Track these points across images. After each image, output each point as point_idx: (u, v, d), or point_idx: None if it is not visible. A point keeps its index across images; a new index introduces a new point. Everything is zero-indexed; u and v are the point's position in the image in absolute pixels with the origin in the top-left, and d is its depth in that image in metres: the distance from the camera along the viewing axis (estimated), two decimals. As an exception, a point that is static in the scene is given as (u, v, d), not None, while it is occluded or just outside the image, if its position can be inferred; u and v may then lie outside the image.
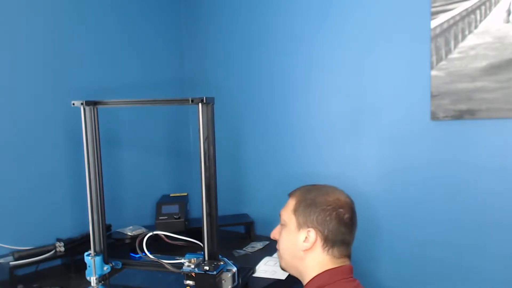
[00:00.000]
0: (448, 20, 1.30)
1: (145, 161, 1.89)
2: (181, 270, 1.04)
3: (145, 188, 1.88)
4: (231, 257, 1.37)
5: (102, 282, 1.18)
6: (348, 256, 1.07)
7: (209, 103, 1.06)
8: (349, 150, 1.57)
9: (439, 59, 1.32)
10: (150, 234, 1.15)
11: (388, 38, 1.44)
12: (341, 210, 1.03)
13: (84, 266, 1.22)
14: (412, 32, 1.38)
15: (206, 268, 1.01)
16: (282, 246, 1.10)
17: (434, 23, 1.32)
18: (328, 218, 1.02)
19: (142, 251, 1.12)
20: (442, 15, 1.31)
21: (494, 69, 1.23)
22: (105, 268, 1.19)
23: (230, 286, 1.03)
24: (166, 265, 1.10)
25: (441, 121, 1.34)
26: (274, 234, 1.14)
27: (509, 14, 1.20)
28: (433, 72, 1.33)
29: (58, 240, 1.45)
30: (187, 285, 1.03)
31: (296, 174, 1.70)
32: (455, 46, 1.29)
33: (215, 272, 1.00)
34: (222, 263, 1.05)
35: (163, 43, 1.97)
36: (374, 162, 1.51)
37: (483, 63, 1.24)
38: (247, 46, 1.84)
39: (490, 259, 1.29)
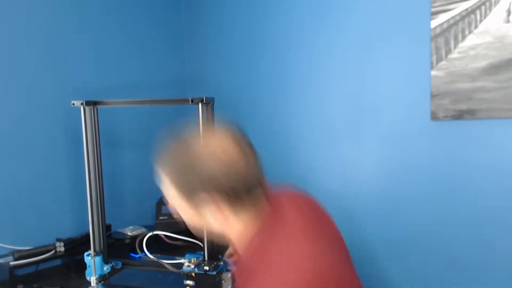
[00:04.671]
0: (448, 20, 1.30)
1: (145, 161, 1.89)
2: (181, 270, 1.04)
3: (145, 188, 1.88)
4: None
5: (102, 282, 1.19)
6: (254, 194, 0.83)
7: (209, 103, 1.05)
8: (349, 149, 1.57)
9: (439, 59, 1.32)
10: (150, 234, 1.15)
11: (388, 38, 1.43)
12: (222, 158, 0.78)
13: (84, 266, 1.22)
14: (412, 32, 1.38)
15: (206, 268, 1.01)
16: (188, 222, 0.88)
17: (434, 23, 1.32)
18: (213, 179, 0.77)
19: (142, 251, 1.12)
20: (442, 15, 1.30)
21: (494, 69, 1.23)
22: (105, 268, 1.19)
23: (230, 286, 1.03)
24: (166, 265, 1.10)
25: (441, 121, 1.34)
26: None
27: (509, 14, 1.20)
28: (433, 72, 1.33)
29: (58, 240, 1.45)
30: (187, 285, 1.03)
31: (296, 174, 1.70)
32: (455, 46, 1.29)
33: (215, 272, 1.00)
34: (222, 263, 1.05)
35: (163, 43, 1.97)
36: (374, 161, 1.51)
37: (483, 63, 1.24)
38: (248, 46, 1.83)
39: (490, 259, 1.29)
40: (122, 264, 1.20)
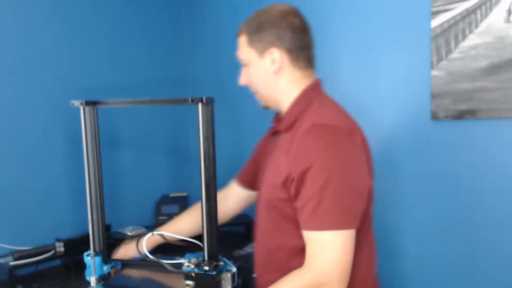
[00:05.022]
0: (448, 20, 1.30)
1: (145, 161, 1.89)
2: (181, 270, 1.04)
3: (145, 188, 1.88)
4: (231, 257, 1.37)
5: (102, 282, 1.18)
6: (313, 62, 1.07)
7: (208, 103, 1.05)
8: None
9: (440, 59, 1.32)
10: (150, 234, 1.15)
11: (388, 38, 1.43)
12: (289, 17, 1.00)
13: (84, 266, 1.22)
14: (412, 32, 1.38)
15: (206, 268, 1.01)
16: (255, 82, 1.07)
17: (434, 23, 1.32)
18: (281, 31, 0.99)
19: (142, 251, 1.12)
20: (442, 15, 1.30)
21: (494, 69, 1.22)
22: (104, 268, 1.17)
23: (229, 286, 1.03)
24: (166, 265, 1.09)
25: (441, 121, 1.34)
26: (243, 80, 1.09)
27: (509, 14, 1.19)
28: (434, 72, 1.33)
29: (58, 240, 1.45)
30: (187, 285, 1.02)
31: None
32: (455, 46, 1.29)
33: (215, 272, 1.00)
34: (222, 263, 1.05)
35: (163, 43, 1.97)
36: (373, 162, 1.51)
37: (483, 63, 1.24)
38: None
39: (490, 258, 1.29)
40: (122, 265, 1.20)
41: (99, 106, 1.22)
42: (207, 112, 1.06)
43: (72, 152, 1.56)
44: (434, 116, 1.34)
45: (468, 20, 1.26)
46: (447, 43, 1.30)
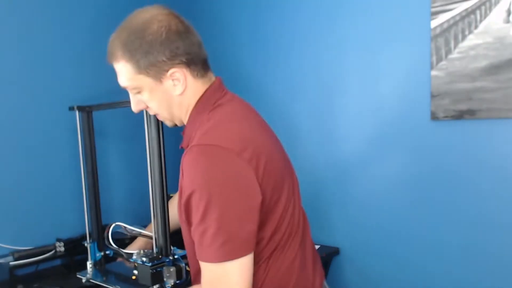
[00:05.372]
0: (448, 20, 1.30)
1: (144, 161, 1.89)
2: (131, 259, 1.08)
3: (144, 188, 1.88)
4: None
5: (97, 267, 1.30)
6: (208, 62, 0.92)
7: None
8: (349, 150, 1.57)
9: (439, 59, 1.32)
10: (114, 225, 1.24)
11: (388, 38, 1.44)
12: (172, 24, 0.85)
13: (84, 266, 1.24)
14: (412, 32, 1.38)
15: (144, 259, 1.03)
16: (155, 107, 0.91)
17: (434, 23, 1.32)
18: (172, 45, 0.83)
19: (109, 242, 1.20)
20: (442, 15, 1.31)
21: (494, 69, 1.23)
22: (97, 254, 1.33)
23: (173, 280, 1.04)
24: (123, 254, 1.20)
25: (441, 121, 1.34)
26: (137, 107, 0.94)
27: (509, 14, 1.20)
28: (433, 72, 1.33)
29: (58, 240, 1.45)
30: (133, 274, 1.06)
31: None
32: (455, 46, 1.29)
33: (150, 264, 1.02)
34: (164, 257, 1.07)
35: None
36: (374, 162, 1.51)
37: (483, 63, 1.24)
38: (251, 48, 1.83)
39: (490, 259, 1.29)
40: (114, 253, 1.28)
41: (94, 110, 1.25)
42: None
43: (73, 152, 1.56)
44: (434, 116, 1.35)
45: (468, 20, 1.26)
46: (447, 43, 1.30)
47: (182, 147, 0.95)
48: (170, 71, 0.85)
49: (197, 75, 0.88)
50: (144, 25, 0.84)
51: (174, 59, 0.84)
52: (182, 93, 0.88)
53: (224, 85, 0.95)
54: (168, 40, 0.83)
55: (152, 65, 0.84)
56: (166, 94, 0.88)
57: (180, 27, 0.85)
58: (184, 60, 0.85)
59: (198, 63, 0.88)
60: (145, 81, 0.86)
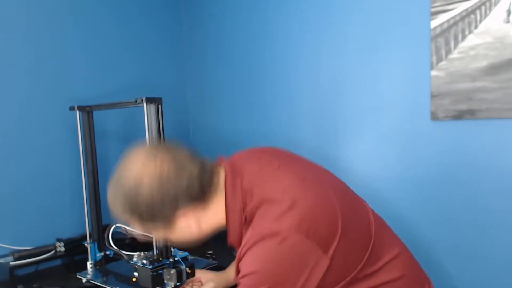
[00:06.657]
0: (448, 20, 1.30)
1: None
2: (132, 261, 1.09)
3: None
4: (231, 257, 1.36)
5: (97, 267, 1.32)
6: (211, 184, 0.88)
7: (153, 102, 1.10)
8: (349, 150, 1.57)
9: (439, 59, 1.32)
10: (114, 226, 1.24)
11: (388, 38, 1.43)
12: (161, 178, 0.81)
13: (84, 266, 1.24)
14: (412, 32, 1.38)
15: (144, 261, 1.04)
16: (181, 240, 0.93)
17: (434, 23, 1.32)
18: (173, 192, 0.82)
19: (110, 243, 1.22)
20: (442, 15, 1.31)
21: (494, 69, 1.23)
22: (97, 255, 1.34)
23: (173, 283, 1.05)
24: (124, 256, 1.20)
25: (441, 121, 1.34)
26: (160, 237, 0.98)
27: (509, 14, 1.20)
28: (433, 72, 1.33)
29: (58, 240, 1.45)
30: (134, 276, 1.07)
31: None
32: (455, 46, 1.29)
33: (150, 266, 1.02)
34: (164, 259, 1.07)
35: (163, 46, 1.96)
36: (374, 162, 1.51)
37: (483, 63, 1.24)
38: (248, 49, 1.83)
39: (490, 259, 1.29)
40: (114, 254, 1.29)
41: (94, 110, 1.25)
42: (155, 112, 1.11)
43: (73, 152, 1.56)
44: (434, 116, 1.35)
45: (468, 20, 1.26)
46: (447, 43, 1.30)
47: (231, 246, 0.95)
48: (177, 218, 0.85)
49: (206, 203, 0.86)
50: (136, 188, 0.82)
51: (179, 205, 0.83)
52: (199, 227, 0.88)
53: (234, 170, 0.90)
54: (169, 193, 0.81)
55: (157, 217, 0.84)
56: (182, 232, 0.89)
57: (171, 170, 0.82)
58: (188, 201, 0.84)
59: (203, 192, 0.85)
60: (157, 226, 0.87)
